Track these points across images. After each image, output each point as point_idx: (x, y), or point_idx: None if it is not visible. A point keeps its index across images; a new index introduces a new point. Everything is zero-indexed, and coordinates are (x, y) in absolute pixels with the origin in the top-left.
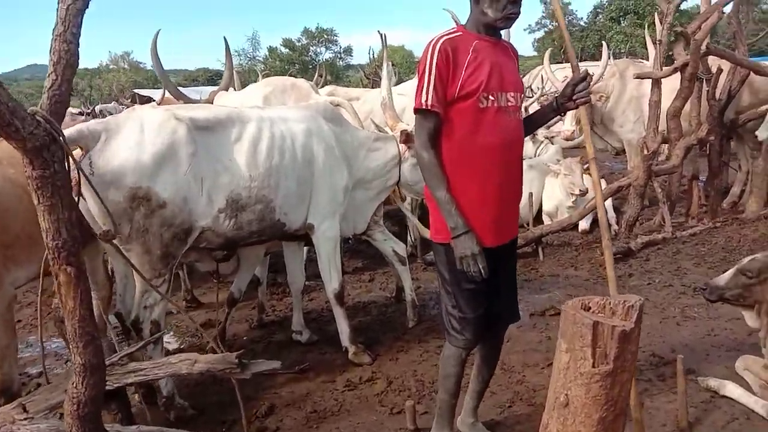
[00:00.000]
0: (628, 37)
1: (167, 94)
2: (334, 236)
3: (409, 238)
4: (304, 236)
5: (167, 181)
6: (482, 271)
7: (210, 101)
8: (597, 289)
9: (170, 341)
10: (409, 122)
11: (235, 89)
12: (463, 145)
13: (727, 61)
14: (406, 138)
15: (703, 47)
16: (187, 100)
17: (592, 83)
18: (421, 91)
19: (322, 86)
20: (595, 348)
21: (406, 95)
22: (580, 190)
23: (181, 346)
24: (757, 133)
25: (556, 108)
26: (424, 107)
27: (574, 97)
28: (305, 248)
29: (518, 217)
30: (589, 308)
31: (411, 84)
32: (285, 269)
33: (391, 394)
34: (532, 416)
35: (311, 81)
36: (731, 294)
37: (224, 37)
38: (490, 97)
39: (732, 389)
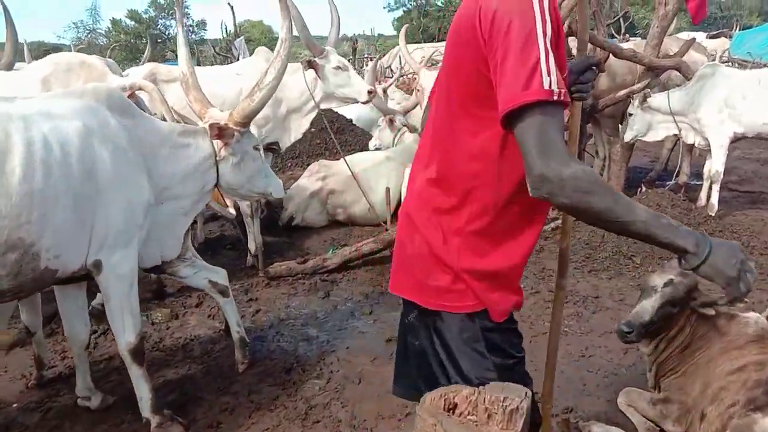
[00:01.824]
0: None
1: None
2: (130, 271)
3: (249, 246)
4: (85, 275)
5: None
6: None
7: None
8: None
9: None
10: (226, 110)
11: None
12: None
13: (589, 42)
14: (219, 133)
15: (566, 27)
16: None
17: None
18: (535, 69)
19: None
20: None
21: (244, 75)
22: None
23: None
24: (623, 135)
25: None
26: (554, 98)
27: (573, 88)
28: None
29: None
30: (455, 406)
31: (251, 62)
32: None
33: None
34: None
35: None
36: (656, 328)
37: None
38: None
39: None
